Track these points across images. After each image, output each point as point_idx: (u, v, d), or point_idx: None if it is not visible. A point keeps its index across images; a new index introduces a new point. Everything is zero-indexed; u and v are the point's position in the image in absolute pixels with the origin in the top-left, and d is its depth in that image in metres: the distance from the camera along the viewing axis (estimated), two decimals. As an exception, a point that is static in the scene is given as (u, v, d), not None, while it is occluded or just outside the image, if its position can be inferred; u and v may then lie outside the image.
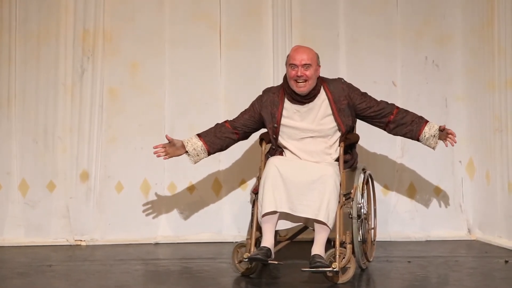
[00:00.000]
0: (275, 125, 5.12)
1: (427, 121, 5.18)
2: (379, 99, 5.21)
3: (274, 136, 5.13)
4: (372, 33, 6.31)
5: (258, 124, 5.24)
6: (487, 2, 6.06)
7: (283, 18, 6.27)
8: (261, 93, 5.25)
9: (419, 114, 5.22)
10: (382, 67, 6.32)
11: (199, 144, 5.23)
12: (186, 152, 5.24)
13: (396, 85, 6.33)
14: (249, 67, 6.30)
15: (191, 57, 6.28)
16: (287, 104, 5.11)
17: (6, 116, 6.18)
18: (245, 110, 5.27)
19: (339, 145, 5.07)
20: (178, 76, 6.29)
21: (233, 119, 5.28)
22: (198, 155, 5.25)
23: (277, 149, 5.15)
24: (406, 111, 5.20)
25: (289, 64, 5.06)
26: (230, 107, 6.21)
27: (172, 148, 5.25)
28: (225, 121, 5.30)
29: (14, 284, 4.80)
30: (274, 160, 4.96)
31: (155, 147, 5.25)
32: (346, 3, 6.32)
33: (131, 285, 4.75)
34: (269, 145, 5.21)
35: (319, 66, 5.11)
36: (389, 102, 5.21)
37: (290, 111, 5.11)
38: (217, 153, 6.22)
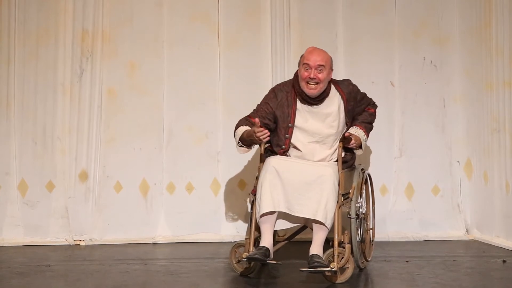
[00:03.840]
0: (290, 124, 5.06)
1: (363, 129, 5.16)
2: (375, 101, 5.25)
3: (287, 135, 5.07)
4: (370, 33, 6.32)
5: (274, 120, 5.08)
6: (484, 3, 6.07)
7: (281, 18, 6.27)
8: (272, 89, 5.15)
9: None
10: (380, 67, 6.33)
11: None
12: None
13: (394, 85, 6.34)
14: (248, 67, 6.30)
15: (190, 57, 6.29)
16: (299, 104, 5.06)
17: (5, 117, 6.19)
18: (260, 105, 5.11)
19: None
20: (176, 77, 6.29)
21: (252, 113, 5.10)
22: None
23: (281, 148, 5.09)
24: (366, 125, 5.20)
25: (303, 64, 4.99)
26: (228, 107, 6.23)
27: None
28: (249, 116, 5.10)
29: (13, 284, 4.80)
30: (272, 160, 4.94)
31: (261, 130, 4.85)
32: (344, 3, 6.33)
33: (130, 285, 4.75)
34: (267, 146, 5.20)
35: (332, 70, 5.06)
36: (369, 113, 5.24)
37: (302, 112, 5.06)
38: (215, 153, 6.26)
